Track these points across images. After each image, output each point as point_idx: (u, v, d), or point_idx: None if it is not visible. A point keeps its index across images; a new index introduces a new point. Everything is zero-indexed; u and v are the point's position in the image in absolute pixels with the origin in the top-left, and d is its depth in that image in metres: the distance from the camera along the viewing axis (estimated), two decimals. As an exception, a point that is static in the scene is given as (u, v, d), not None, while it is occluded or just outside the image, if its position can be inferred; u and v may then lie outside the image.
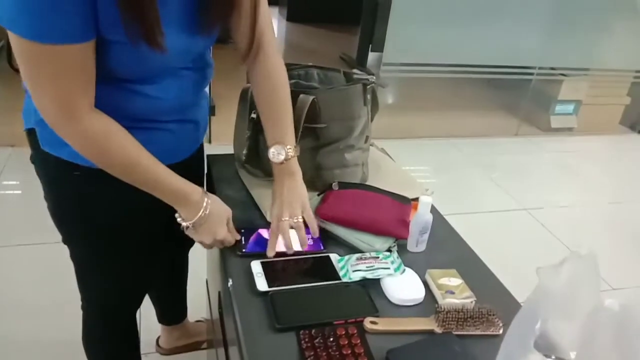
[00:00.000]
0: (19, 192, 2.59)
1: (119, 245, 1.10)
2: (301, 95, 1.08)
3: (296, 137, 1.06)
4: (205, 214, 0.97)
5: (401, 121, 3.70)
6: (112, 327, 1.33)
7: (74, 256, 1.16)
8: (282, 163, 1.03)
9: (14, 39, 0.76)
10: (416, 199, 1.06)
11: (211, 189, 1.22)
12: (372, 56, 4.93)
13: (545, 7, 3.53)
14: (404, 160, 1.49)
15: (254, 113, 1.17)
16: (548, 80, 3.97)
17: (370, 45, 4.90)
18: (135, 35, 0.80)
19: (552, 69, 3.95)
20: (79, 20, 0.76)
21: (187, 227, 0.98)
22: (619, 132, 4.30)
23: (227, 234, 1.01)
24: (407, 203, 1.11)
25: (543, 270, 0.59)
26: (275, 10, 6.65)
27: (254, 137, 1.20)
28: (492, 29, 3.50)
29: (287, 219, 1.00)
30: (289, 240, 0.98)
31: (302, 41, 6.06)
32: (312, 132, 1.13)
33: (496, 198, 3.04)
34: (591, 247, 0.59)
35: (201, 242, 1.02)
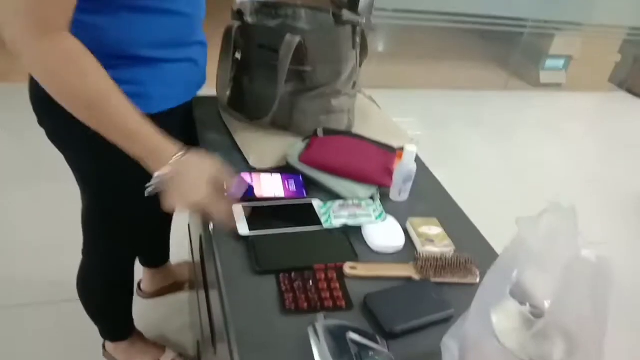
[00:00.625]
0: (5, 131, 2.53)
1: (132, 180, 0.95)
2: (287, 36, 1.04)
3: (280, 80, 1.03)
4: (177, 167, 0.82)
5: (390, 70, 3.65)
6: (111, 272, 1.33)
7: (86, 195, 1.13)
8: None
9: None
10: (401, 148, 1.05)
11: (194, 133, 1.20)
12: (364, 2, 4.79)
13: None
14: (391, 109, 1.47)
15: (238, 53, 1.14)
16: (540, 34, 3.92)
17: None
18: None
19: (545, 22, 3.89)
20: None
21: (152, 185, 0.83)
22: (608, 90, 4.30)
23: (207, 196, 0.83)
24: (391, 152, 1.10)
25: (522, 221, 0.59)
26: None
27: (238, 78, 1.17)
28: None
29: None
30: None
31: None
32: (298, 75, 1.10)
33: (482, 153, 3.04)
34: (571, 200, 0.59)
35: (174, 206, 0.84)
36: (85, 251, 1.27)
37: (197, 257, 1.29)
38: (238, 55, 1.12)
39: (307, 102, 1.13)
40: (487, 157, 3.00)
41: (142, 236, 1.40)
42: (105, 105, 0.80)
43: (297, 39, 1.03)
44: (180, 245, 1.73)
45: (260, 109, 1.12)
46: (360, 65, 1.23)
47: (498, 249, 0.97)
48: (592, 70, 4.15)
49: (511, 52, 4.06)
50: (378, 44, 4.32)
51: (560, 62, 4.05)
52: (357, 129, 1.22)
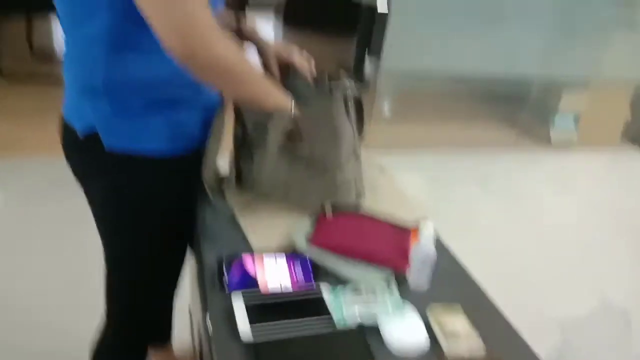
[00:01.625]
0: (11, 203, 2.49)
1: (160, 238, 1.11)
2: (276, 114, 0.98)
3: (270, 157, 1.00)
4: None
5: (397, 131, 3.62)
6: (131, 339, 1.29)
7: (112, 255, 1.12)
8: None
9: None
10: (416, 225, 0.96)
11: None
12: (369, 64, 4.86)
13: (546, 15, 3.45)
14: (399, 171, 1.40)
15: (239, 127, 1.08)
16: (547, 92, 3.89)
17: (368, 50, 4.84)
18: None
19: (552, 80, 3.87)
20: None
21: None
22: (621, 146, 4.23)
23: None
24: (406, 231, 1.01)
25: None
26: (271, 13, 6.57)
27: (238, 154, 1.11)
28: (490, 38, 3.42)
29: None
30: None
31: (298, 45, 5.97)
32: (294, 155, 1.03)
33: (494, 214, 2.94)
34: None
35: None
36: (105, 325, 1.24)
37: (198, 346, 1.18)
38: (238, 132, 1.06)
39: (311, 178, 1.05)
40: (500, 219, 2.90)
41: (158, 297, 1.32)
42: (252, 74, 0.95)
43: (286, 115, 0.97)
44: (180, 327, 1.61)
45: (260, 187, 1.05)
46: (360, 133, 1.17)
47: (524, 328, 0.87)
48: (604, 127, 4.09)
49: (519, 110, 4.03)
50: (384, 106, 4.32)
51: (570, 120, 4.00)
52: (366, 201, 1.14)
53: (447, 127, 4.09)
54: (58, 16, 0.94)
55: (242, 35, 1.19)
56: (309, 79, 1.17)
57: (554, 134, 3.98)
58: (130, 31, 0.87)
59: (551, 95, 3.90)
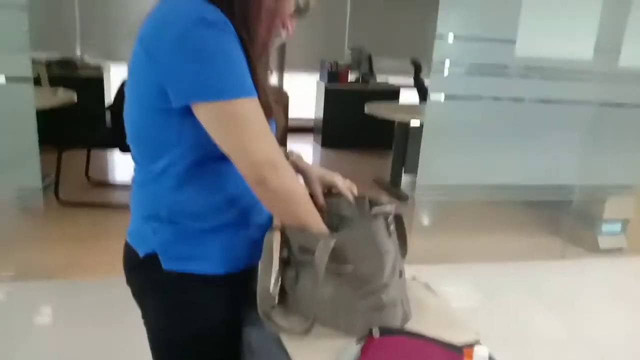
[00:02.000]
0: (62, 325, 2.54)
1: (208, 354, 1.14)
2: (322, 241, 1.02)
3: (319, 281, 1.02)
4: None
5: (439, 244, 3.60)
6: None
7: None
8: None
9: (216, 109, 0.91)
10: (469, 346, 0.94)
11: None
12: (405, 178, 4.97)
13: (582, 124, 3.50)
14: (445, 287, 1.38)
15: (285, 252, 1.12)
16: (591, 199, 3.85)
17: (404, 168, 4.96)
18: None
19: (594, 187, 3.84)
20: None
21: None
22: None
23: None
24: (458, 352, 0.99)
25: None
26: (310, 137, 6.91)
27: (283, 278, 1.14)
28: (527, 149, 3.48)
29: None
30: None
31: (336, 166, 6.19)
32: (340, 275, 1.06)
33: (547, 328, 2.80)
34: None
35: None
36: None
37: None
38: (284, 254, 1.10)
39: (356, 301, 1.06)
40: (555, 332, 2.75)
41: None
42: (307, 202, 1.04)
43: (332, 242, 1.01)
44: None
45: (306, 309, 1.06)
46: (404, 256, 1.19)
47: None
48: (654, 231, 3.96)
49: (562, 219, 3.97)
50: (424, 220, 4.34)
51: (617, 226, 3.90)
52: (414, 321, 1.13)
53: (491, 237, 4.04)
54: (132, 154, 1.07)
55: (289, 162, 1.28)
56: (352, 201, 1.23)
57: (602, 240, 3.87)
58: (195, 167, 1.00)
59: (594, 203, 3.86)
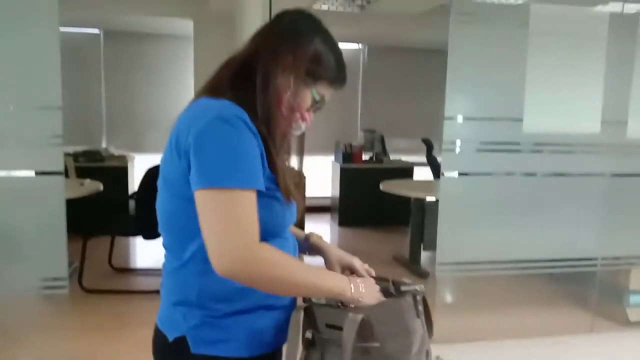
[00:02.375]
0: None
1: None
2: (350, 315, 1.05)
3: (346, 358, 1.04)
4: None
5: (463, 323, 3.52)
6: None
7: None
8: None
9: (214, 195, 0.97)
10: None
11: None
12: (425, 254, 4.94)
13: (596, 195, 3.51)
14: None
15: (309, 332, 1.15)
16: (614, 269, 3.78)
17: (422, 244, 4.95)
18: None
19: (617, 258, 3.80)
20: (260, 171, 1.02)
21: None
22: None
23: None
24: None
25: None
26: (327, 216, 6.97)
27: (309, 358, 1.16)
28: (545, 222, 3.48)
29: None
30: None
31: (354, 244, 6.18)
32: (367, 352, 1.07)
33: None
34: None
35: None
36: None
37: None
38: (309, 335, 1.13)
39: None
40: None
41: None
42: (300, 281, 1.06)
43: (360, 316, 1.04)
44: None
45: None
46: (430, 331, 1.21)
47: None
48: (684, 303, 3.84)
49: (588, 291, 3.88)
50: (446, 296, 4.27)
51: (645, 296, 3.81)
52: (440, 403, 1.13)
53: (516, 312, 3.94)
54: (163, 242, 1.14)
55: (309, 244, 1.34)
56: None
57: (631, 312, 3.76)
58: None
59: (619, 274, 3.79)
